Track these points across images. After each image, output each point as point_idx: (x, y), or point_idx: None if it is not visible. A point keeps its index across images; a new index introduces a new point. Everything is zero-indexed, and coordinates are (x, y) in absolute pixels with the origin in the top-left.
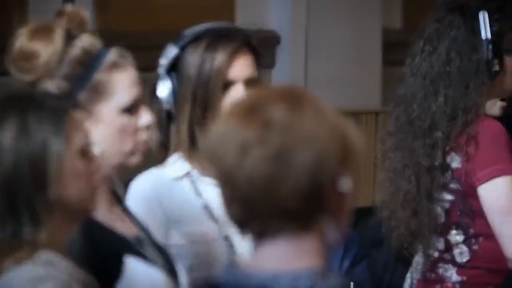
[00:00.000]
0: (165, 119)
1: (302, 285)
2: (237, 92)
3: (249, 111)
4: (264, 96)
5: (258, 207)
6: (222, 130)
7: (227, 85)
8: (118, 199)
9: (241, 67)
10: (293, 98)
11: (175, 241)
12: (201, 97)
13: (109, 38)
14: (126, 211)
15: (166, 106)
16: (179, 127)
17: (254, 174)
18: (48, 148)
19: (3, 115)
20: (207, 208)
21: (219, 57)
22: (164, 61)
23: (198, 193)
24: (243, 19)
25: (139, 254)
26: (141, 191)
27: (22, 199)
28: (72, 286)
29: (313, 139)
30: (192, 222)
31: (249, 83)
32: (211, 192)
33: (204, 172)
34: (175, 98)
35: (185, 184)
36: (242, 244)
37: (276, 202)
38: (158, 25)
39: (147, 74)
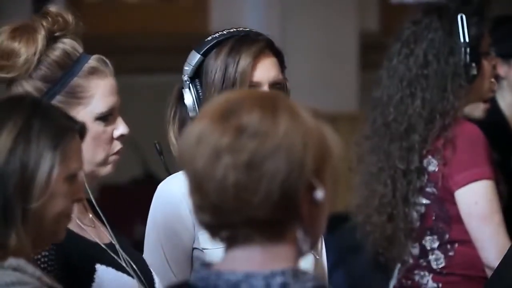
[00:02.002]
0: None
1: (275, 284)
2: None
3: (223, 115)
4: (240, 100)
5: (228, 215)
6: (195, 133)
7: (252, 88)
8: (91, 206)
9: (266, 69)
10: (269, 103)
11: (202, 245)
12: None
13: (83, 41)
14: (100, 218)
15: (192, 113)
16: None
17: (225, 182)
18: (43, 160)
19: (8, 114)
20: None
21: (243, 60)
22: (187, 68)
23: None
24: (218, 21)
25: (111, 261)
26: (168, 193)
27: (2, 200)
28: None
29: (287, 147)
30: None
31: (274, 86)
32: None
33: None
34: (200, 105)
35: None
36: None
37: (247, 211)
38: (132, 27)
39: (120, 77)
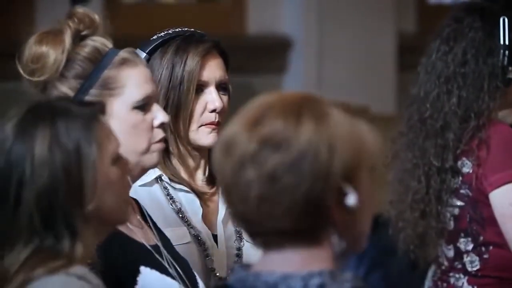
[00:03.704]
0: None
1: (313, 284)
2: (210, 96)
3: (253, 122)
4: (269, 106)
5: (253, 225)
6: (227, 139)
7: (199, 87)
8: (138, 207)
9: (213, 69)
10: (294, 110)
11: None
12: (173, 100)
13: (121, 42)
14: (145, 219)
15: None
16: None
17: (248, 193)
18: (82, 156)
19: (32, 126)
20: (180, 213)
21: (190, 59)
22: None
23: (170, 198)
24: (256, 23)
25: (156, 263)
26: None
27: (60, 213)
28: None
29: (310, 155)
30: (164, 227)
31: (221, 85)
32: (183, 198)
33: (175, 178)
34: None
35: (156, 189)
36: (217, 248)
37: (270, 222)
38: (169, 28)
39: None
